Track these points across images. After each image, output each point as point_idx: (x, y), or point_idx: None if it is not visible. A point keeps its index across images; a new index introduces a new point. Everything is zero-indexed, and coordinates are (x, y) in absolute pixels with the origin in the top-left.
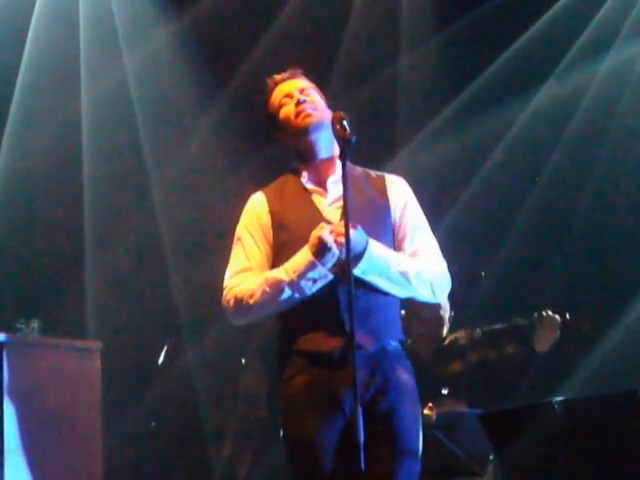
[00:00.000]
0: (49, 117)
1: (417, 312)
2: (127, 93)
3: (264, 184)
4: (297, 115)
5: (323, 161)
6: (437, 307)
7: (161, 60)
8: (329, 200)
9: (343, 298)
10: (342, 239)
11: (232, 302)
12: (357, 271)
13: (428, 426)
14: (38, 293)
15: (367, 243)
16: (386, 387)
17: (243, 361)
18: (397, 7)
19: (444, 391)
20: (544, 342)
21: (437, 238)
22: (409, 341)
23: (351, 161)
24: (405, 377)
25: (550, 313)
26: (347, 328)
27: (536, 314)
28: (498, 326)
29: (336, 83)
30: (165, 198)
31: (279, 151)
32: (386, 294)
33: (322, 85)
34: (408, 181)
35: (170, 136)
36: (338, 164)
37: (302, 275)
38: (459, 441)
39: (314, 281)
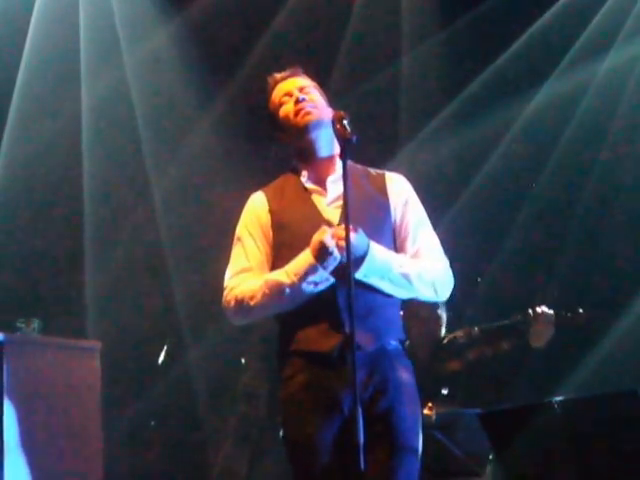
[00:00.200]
0: (49, 117)
1: (415, 312)
2: (127, 92)
3: (264, 183)
4: (296, 113)
5: (323, 160)
6: (435, 306)
7: (161, 59)
8: (329, 199)
9: (342, 298)
10: (344, 243)
11: (232, 303)
12: (359, 274)
13: (427, 426)
14: (38, 293)
15: (368, 246)
16: (385, 386)
17: (243, 361)
18: (398, 6)
19: (444, 391)
20: (539, 338)
21: (438, 236)
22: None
23: (351, 159)
24: (405, 376)
25: (544, 309)
26: (346, 328)
27: (530, 310)
28: (495, 324)
29: (337, 82)
30: (165, 197)
31: (279, 150)
32: (386, 294)
33: (322, 84)
34: (409, 180)
35: (170, 135)
36: (338, 163)
37: (303, 278)
38: (458, 441)
39: (315, 284)
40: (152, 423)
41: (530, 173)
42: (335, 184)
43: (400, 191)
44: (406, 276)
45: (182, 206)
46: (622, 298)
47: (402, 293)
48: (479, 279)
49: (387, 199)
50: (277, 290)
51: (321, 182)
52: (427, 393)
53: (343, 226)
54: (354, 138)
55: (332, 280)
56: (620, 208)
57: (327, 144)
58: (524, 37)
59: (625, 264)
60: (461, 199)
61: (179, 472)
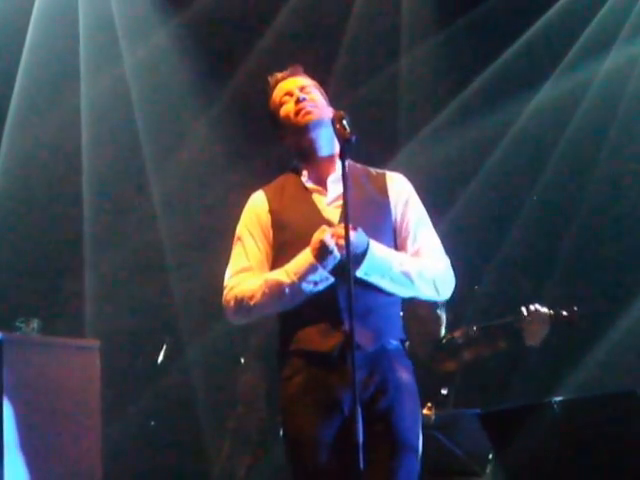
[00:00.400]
0: (48, 116)
1: (414, 311)
2: (126, 92)
3: (264, 183)
4: (297, 113)
5: (323, 159)
6: (434, 306)
7: (160, 59)
8: (329, 199)
9: (342, 298)
10: (343, 241)
11: (232, 302)
12: (359, 273)
13: (427, 426)
14: (38, 292)
15: (368, 245)
16: (385, 386)
17: (242, 361)
18: (398, 6)
19: (443, 391)
20: (535, 337)
21: (438, 236)
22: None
23: (352, 159)
24: (405, 376)
25: (539, 307)
26: (346, 328)
27: (524, 309)
28: (491, 323)
29: (336, 82)
30: (164, 197)
31: (280, 150)
32: (387, 293)
33: (322, 84)
34: (408, 179)
35: (169, 135)
36: (339, 163)
37: (303, 277)
38: (458, 441)
39: (315, 283)
40: (152, 423)
41: (530, 173)
42: (335, 184)
43: (401, 191)
44: (407, 274)
45: (181, 205)
46: (622, 298)
47: (403, 291)
48: (476, 287)
49: (387, 199)
50: (277, 289)
51: (321, 182)
52: (427, 393)
53: (342, 225)
54: (353, 138)
55: (332, 279)
56: (620, 208)
57: (328, 144)
58: (524, 37)
59: (625, 264)
60: (461, 199)
61: (178, 472)
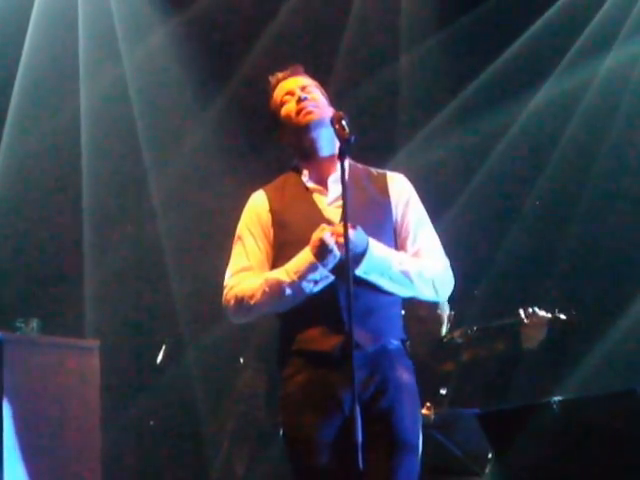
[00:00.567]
0: (48, 116)
1: (414, 311)
2: (126, 92)
3: (264, 183)
4: (298, 112)
5: (324, 159)
6: (434, 306)
7: (160, 60)
8: (330, 199)
9: (343, 297)
10: (343, 240)
11: (232, 301)
12: (359, 271)
13: (426, 426)
14: (37, 292)
15: (368, 243)
16: (385, 386)
17: (241, 360)
18: (397, 6)
19: (442, 391)
20: (532, 340)
21: (437, 236)
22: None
23: (352, 159)
24: (405, 376)
25: (537, 311)
26: (347, 327)
27: (522, 311)
28: (489, 324)
29: (336, 82)
30: (164, 197)
31: (280, 149)
32: (387, 293)
33: (322, 84)
34: (408, 179)
35: (169, 135)
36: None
37: (303, 276)
38: (457, 441)
39: (315, 282)
40: (151, 422)
41: (529, 174)
42: (336, 184)
43: (401, 191)
44: (406, 274)
45: (181, 205)
46: (622, 298)
47: (402, 291)
48: (476, 292)
49: (388, 199)
50: (277, 289)
51: (322, 181)
52: (426, 393)
53: (342, 224)
54: (353, 138)
55: (332, 278)
56: (620, 208)
57: (328, 143)
58: (524, 37)
59: (625, 264)
60: (460, 199)
61: (178, 471)
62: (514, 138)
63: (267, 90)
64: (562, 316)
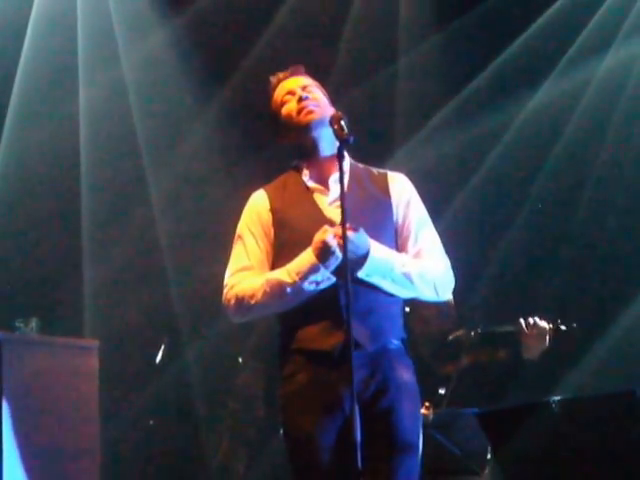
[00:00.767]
0: (47, 117)
1: (418, 311)
2: (124, 93)
3: (264, 182)
4: (299, 112)
5: (325, 159)
6: (437, 306)
7: (159, 60)
8: (330, 199)
9: (344, 296)
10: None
11: (233, 301)
12: (361, 274)
13: (425, 425)
14: (37, 292)
15: (370, 246)
16: (386, 386)
17: (240, 360)
18: (395, 6)
19: (441, 391)
20: (533, 350)
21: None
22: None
23: (352, 159)
24: (406, 376)
25: (538, 321)
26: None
27: (523, 321)
28: (491, 329)
29: (334, 82)
30: (163, 197)
31: (280, 149)
32: (388, 293)
33: (321, 84)
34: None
35: (168, 135)
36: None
37: (305, 277)
38: (456, 440)
39: (316, 283)
40: (150, 422)
41: (529, 174)
42: (337, 183)
43: (402, 191)
44: (408, 275)
45: (180, 205)
46: (620, 298)
47: (403, 292)
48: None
49: (389, 199)
50: (278, 289)
51: (323, 181)
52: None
53: (345, 225)
54: (351, 138)
55: (333, 279)
56: (620, 209)
57: (329, 143)
58: (522, 37)
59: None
60: (458, 200)
61: (177, 470)
62: (512, 139)
63: (267, 90)
64: (563, 327)
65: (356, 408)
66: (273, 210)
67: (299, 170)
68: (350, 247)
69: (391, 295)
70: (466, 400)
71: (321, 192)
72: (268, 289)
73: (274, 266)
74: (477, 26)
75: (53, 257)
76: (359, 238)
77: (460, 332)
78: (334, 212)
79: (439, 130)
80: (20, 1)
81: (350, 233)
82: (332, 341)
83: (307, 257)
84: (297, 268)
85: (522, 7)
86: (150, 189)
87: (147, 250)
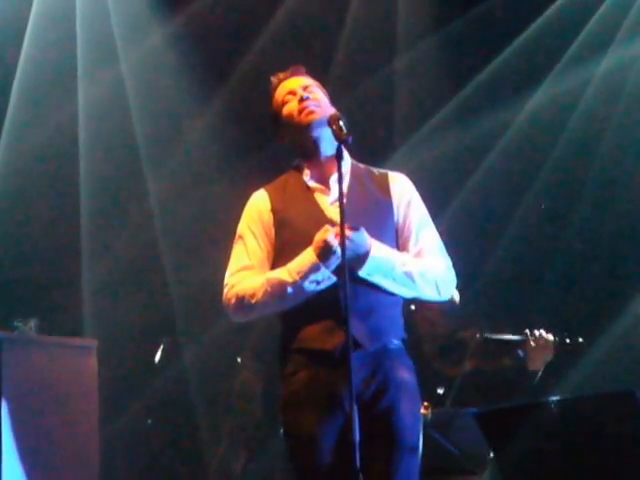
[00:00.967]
0: (46, 117)
1: (422, 312)
2: (124, 93)
3: (265, 182)
4: (300, 112)
5: (326, 158)
6: (439, 306)
7: (157, 60)
8: (331, 198)
9: (344, 297)
10: (346, 241)
11: (233, 300)
12: (362, 273)
13: (424, 425)
14: (36, 292)
15: (370, 245)
16: (386, 385)
17: (239, 360)
18: (394, 7)
19: (440, 390)
20: (537, 362)
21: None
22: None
23: (354, 158)
24: (406, 376)
25: (543, 333)
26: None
27: (529, 333)
28: (497, 337)
29: (333, 83)
30: (162, 197)
31: (280, 149)
32: (389, 293)
33: (320, 83)
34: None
35: (167, 135)
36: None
37: (305, 277)
38: (455, 440)
39: (317, 283)
40: (149, 422)
41: (528, 174)
42: (338, 183)
43: (403, 191)
44: (409, 275)
45: (179, 205)
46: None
47: (405, 292)
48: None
49: (390, 199)
50: (279, 288)
51: (324, 181)
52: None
53: (346, 225)
54: (350, 139)
55: (334, 279)
56: (619, 210)
57: (330, 143)
58: (521, 37)
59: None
60: (457, 200)
61: (175, 471)
62: (511, 139)
63: (268, 90)
64: (568, 340)
65: (355, 408)
66: (274, 210)
67: (300, 170)
68: (350, 246)
69: (392, 295)
70: (467, 405)
71: (322, 192)
72: (269, 288)
73: (275, 266)
74: (476, 26)
75: (52, 257)
76: (359, 237)
77: (466, 333)
78: (335, 212)
79: (439, 130)
80: (20, 1)
81: (350, 232)
82: (333, 341)
83: (308, 256)
84: (298, 267)
85: (522, 7)
86: (149, 189)
87: (146, 250)
